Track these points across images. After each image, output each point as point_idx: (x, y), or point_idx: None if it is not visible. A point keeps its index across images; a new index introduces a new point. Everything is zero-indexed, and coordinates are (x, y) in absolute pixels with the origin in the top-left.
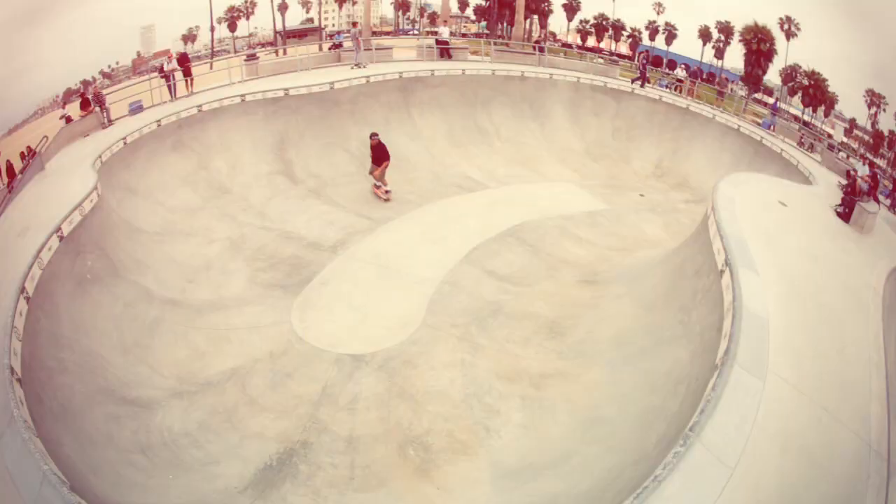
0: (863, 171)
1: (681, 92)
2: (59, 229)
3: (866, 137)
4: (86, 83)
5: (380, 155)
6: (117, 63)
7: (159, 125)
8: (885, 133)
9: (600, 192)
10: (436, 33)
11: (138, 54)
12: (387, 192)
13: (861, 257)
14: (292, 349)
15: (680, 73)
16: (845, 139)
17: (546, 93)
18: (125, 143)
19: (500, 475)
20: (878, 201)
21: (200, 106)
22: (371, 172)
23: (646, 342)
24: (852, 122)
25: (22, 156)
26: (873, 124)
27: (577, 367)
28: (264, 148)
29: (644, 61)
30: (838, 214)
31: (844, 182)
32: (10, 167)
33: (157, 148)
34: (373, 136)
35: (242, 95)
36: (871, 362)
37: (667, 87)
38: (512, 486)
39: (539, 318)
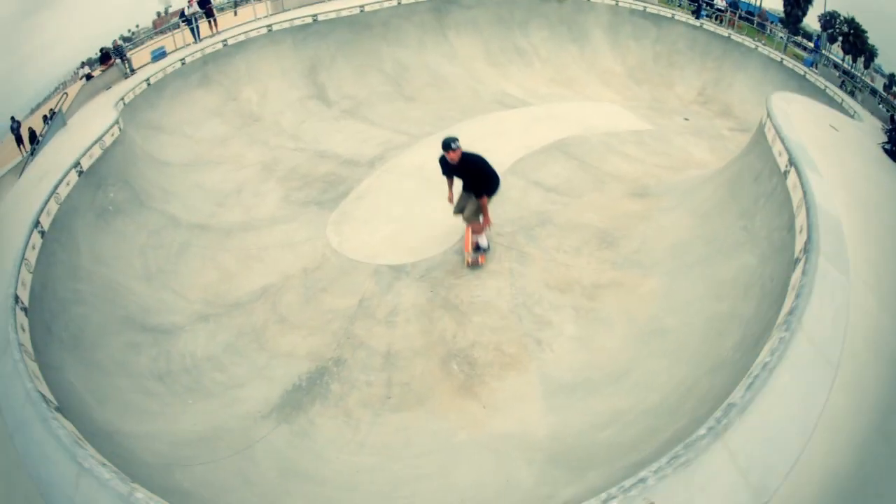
0: None
1: (721, 22)
2: (78, 164)
3: None
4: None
5: (474, 178)
6: (137, 26)
7: (184, 63)
8: None
9: (644, 114)
10: None
11: (158, 14)
12: (482, 253)
13: None
14: (327, 263)
15: (720, 2)
16: (884, 94)
17: (584, 15)
18: (148, 84)
19: (554, 391)
20: None
21: (226, 41)
22: (462, 213)
23: (705, 251)
24: (892, 78)
25: (44, 120)
26: None
27: (633, 277)
28: (295, 75)
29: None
30: (885, 151)
31: (889, 126)
32: (32, 133)
33: (183, 86)
34: (451, 145)
35: (269, 26)
36: None
37: (707, 17)
38: (567, 404)
39: (589, 228)
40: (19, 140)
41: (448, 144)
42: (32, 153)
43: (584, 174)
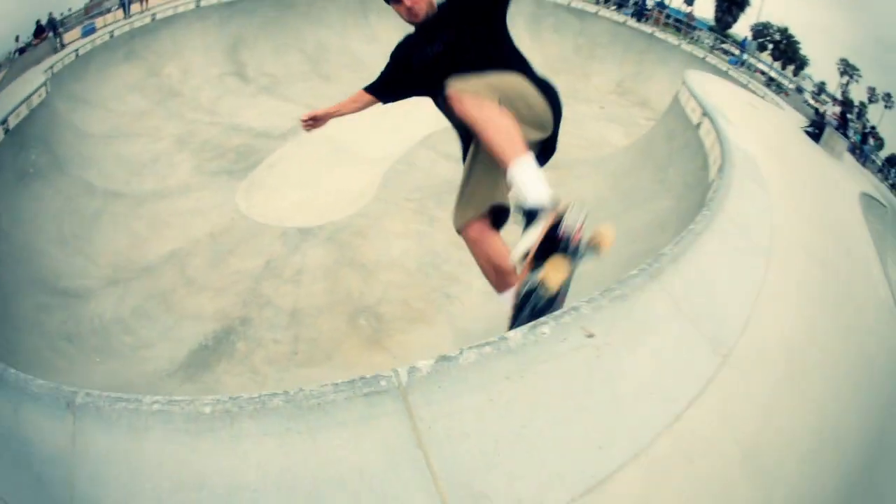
0: (832, 109)
1: (648, 19)
2: (5, 121)
3: (837, 101)
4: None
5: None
6: (70, 10)
7: (112, 36)
8: (856, 103)
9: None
10: None
11: None
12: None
13: (835, 170)
14: (235, 227)
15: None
16: (810, 92)
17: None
18: (77, 56)
19: (465, 339)
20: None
21: (154, 15)
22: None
23: (619, 206)
24: (820, 86)
25: None
26: (843, 93)
27: None
28: (217, 51)
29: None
30: (808, 134)
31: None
32: None
33: (110, 59)
34: None
35: (197, 1)
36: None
37: (632, 15)
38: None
39: None
40: None
41: None
42: None
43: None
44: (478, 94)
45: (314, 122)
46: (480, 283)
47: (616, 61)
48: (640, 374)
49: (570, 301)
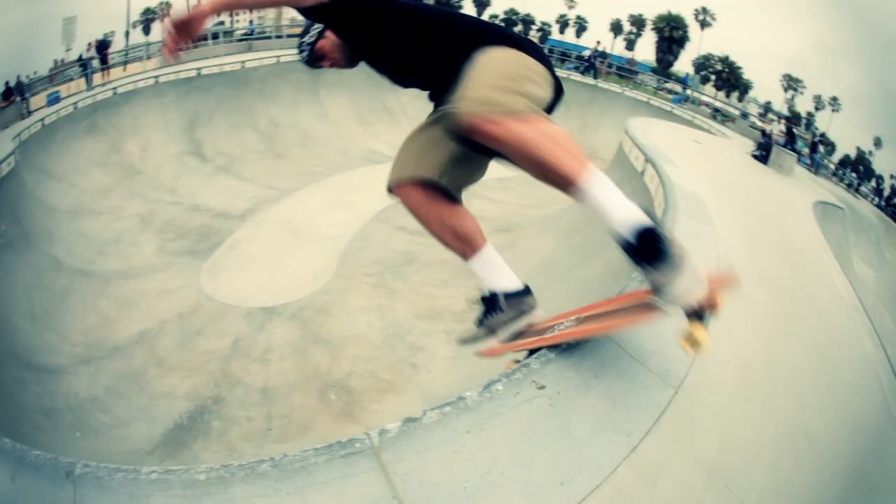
0: (777, 127)
1: (594, 73)
2: None
3: (782, 118)
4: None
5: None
6: (35, 72)
7: (76, 108)
8: (803, 114)
9: (508, 163)
10: None
11: (55, 62)
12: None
13: (785, 187)
14: (201, 308)
15: (586, 52)
16: (754, 115)
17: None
18: (43, 125)
19: (435, 404)
20: (795, 151)
21: (115, 88)
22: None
23: (572, 260)
24: (766, 106)
25: None
26: (789, 108)
27: None
28: (175, 129)
29: (595, 55)
30: (755, 158)
31: (760, 140)
32: None
33: (73, 131)
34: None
35: (156, 77)
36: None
37: (575, 69)
38: None
39: (454, 263)
40: None
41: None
42: None
43: None
44: (506, 106)
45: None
46: (445, 350)
47: (560, 117)
48: (594, 414)
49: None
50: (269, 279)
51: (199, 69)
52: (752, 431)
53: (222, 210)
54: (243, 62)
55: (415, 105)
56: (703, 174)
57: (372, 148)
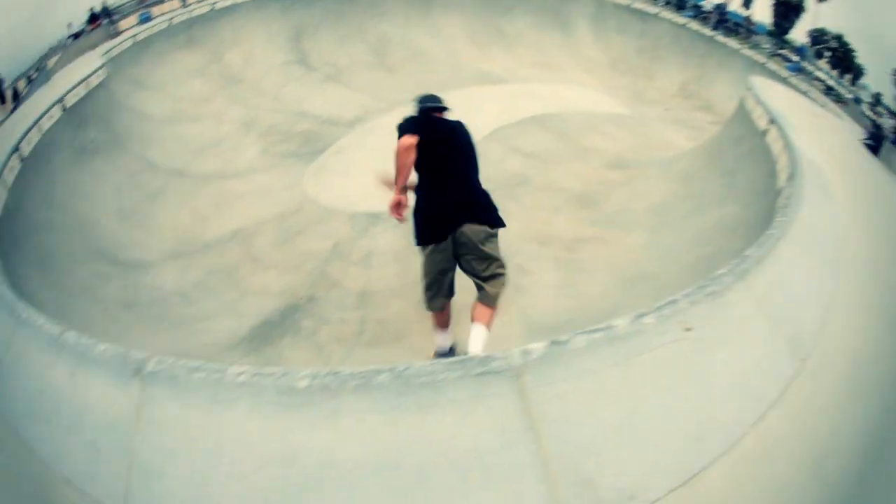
0: (890, 122)
1: (707, 21)
2: (62, 100)
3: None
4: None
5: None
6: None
7: (170, 24)
8: None
9: (625, 101)
10: None
11: None
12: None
13: (892, 184)
14: (303, 209)
15: (707, 5)
16: (867, 103)
17: (570, 6)
18: (134, 41)
19: (535, 331)
20: None
21: (214, 4)
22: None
23: (686, 207)
24: (877, 97)
25: (27, 81)
26: None
27: (613, 233)
28: (279, 40)
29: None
30: (866, 146)
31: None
32: (15, 92)
33: (168, 45)
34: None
35: None
36: None
37: (693, 17)
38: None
39: (569, 191)
40: (2, 99)
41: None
42: (14, 110)
43: (563, 146)
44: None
45: (400, 206)
46: (551, 277)
47: (678, 64)
48: (730, 371)
49: (666, 292)
50: (375, 186)
51: None
52: (854, 429)
53: (329, 117)
54: None
55: (530, 32)
56: (821, 149)
57: (485, 69)
